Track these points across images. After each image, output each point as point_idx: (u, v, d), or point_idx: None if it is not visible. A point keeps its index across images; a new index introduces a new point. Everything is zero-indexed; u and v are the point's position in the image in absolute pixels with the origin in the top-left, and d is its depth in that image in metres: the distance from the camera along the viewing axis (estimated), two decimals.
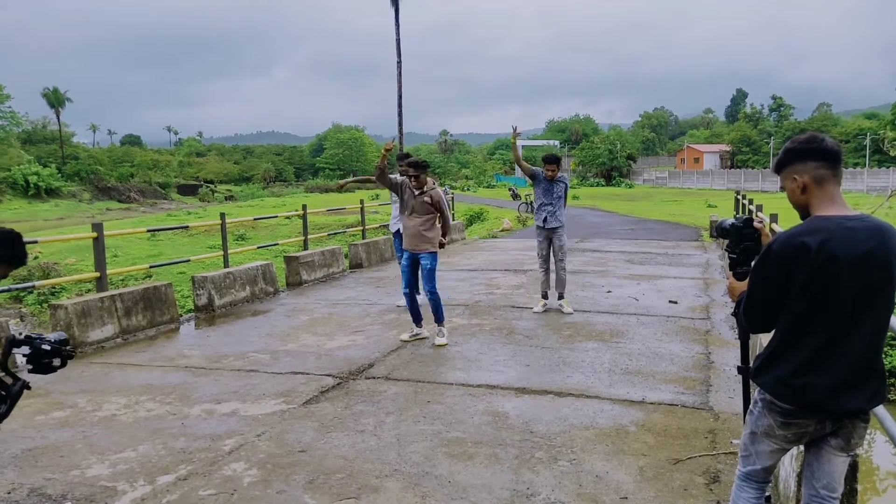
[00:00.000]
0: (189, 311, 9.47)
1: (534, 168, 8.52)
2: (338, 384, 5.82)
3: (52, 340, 2.74)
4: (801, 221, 2.52)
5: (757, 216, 11.20)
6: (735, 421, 4.88)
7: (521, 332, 7.51)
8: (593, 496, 3.75)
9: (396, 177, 7.64)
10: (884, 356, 3.34)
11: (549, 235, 8.49)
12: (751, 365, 3.13)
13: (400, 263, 7.72)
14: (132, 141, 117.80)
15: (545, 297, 8.64)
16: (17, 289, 10.74)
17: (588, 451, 4.35)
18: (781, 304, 2.44)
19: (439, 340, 7.06)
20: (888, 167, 42.18)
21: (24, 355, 2.73)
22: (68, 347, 2.79)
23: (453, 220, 19.13)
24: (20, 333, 2.79)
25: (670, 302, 9.07)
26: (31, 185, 62.30)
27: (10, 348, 2.73)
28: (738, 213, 17.37)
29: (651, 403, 5.23)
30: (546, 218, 8.42)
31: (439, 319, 7.18)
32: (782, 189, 2.59)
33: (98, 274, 7.86)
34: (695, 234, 19.48)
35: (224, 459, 4.28)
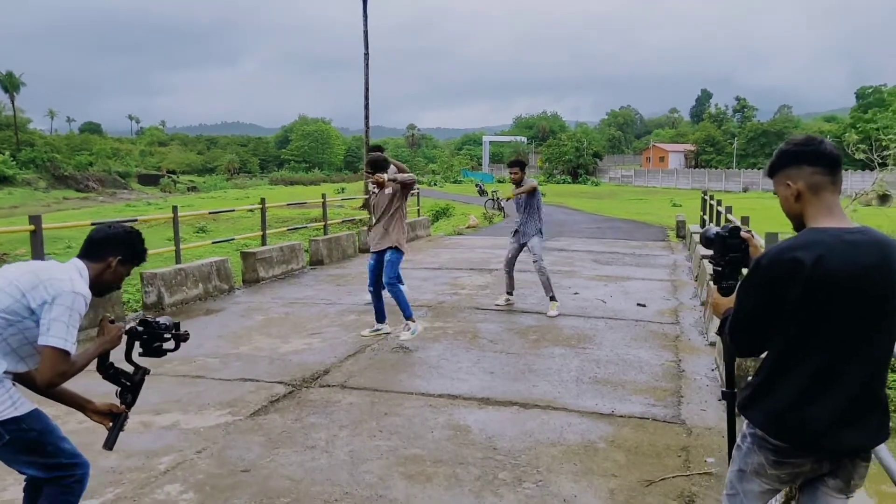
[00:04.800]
0: (135, 310, 8.99)
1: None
2: (289, 393, 5.45)
3: (166, 324, 2.80)
4: (795, 233, 2.26)
5: (727, 219, 11.07)
6: (708, 436, 4.64)
7: (485, 337, 7.22)
8: None
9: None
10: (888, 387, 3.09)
11: (522, 242, 8.58)
12: (736, 390, 2.87)
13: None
14: (92, 129, 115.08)
15: (510, 293, 8.83)
16: None
17: (555, 471, 4.06)
18: (771, 326, 2.17)
19: (403, 335, 6.82)
20: (850, 170, 42.93)
21: (139, 338, 2.78)
22: (183, 331, 2.83)
23: (418, 216, 18.79)
24: (135, 321, 2.85)
25: (638, 305, 8.86)
26: None
27: (133, 341, 2.80)
28: (704, 213, 17.32)
29: (621, 416, 4.96)
30: (517, 230, 8.57)
31: (405, 315, 6.90)
32: (775, 193, 2.32)
33: None
34: (661, 234, 19.43)
35: (158, 480, 3.89)
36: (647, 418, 4.94)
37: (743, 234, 2.70)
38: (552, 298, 8.34)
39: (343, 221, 18.29)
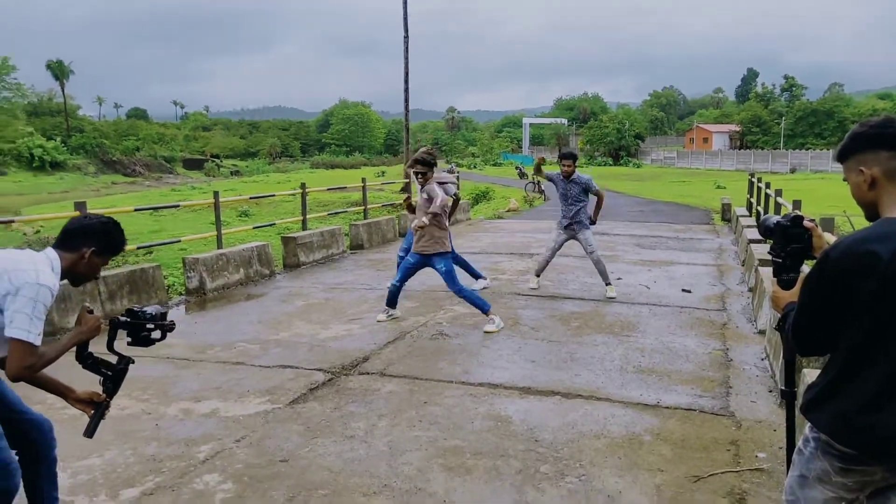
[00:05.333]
0: (180, 294, 9.07)
1: (550, 174, 8.61)
2: (329, 380, 5.41)
3: (152, 314, 2.77)
4: (867, 222, 2.08)
5: (776, 202, 10.71)
6: (758, 430, 4.46)
7: (526, 324, 7.09)
8: None
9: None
10: None
11: (571, 234, 8.51)
12: (795, 389, 2.71)
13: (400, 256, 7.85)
14: (138, 114, 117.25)
15: (538, 275, 8.84)
16: None
17: (598, 464, 3.94)
18: (840, 324, 2.00)
19: (488, 328, 6.78)
20: None
21: (123, 328, 2.77)
22: (168, 321, 2.81)
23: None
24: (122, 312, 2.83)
25: (684, 291, 8.63)
26: (36, 158, 61.98)
27: (116, 331, 2.79)
28: (751, 196, 16.85)
29: (667, 408, 4.81)
30: (570, 218, 8.44)
31: (484, 310, 6.90)
32: (845, 179, 2.14)
33: None
34: (706, 217, 18.98)
35: (197, 470, 3.88)
36: (695, 410, 4.78)
37: (806, 223, 2.52)
38: (608, 283, 8.42)
39: (383, 206, 18.29)
